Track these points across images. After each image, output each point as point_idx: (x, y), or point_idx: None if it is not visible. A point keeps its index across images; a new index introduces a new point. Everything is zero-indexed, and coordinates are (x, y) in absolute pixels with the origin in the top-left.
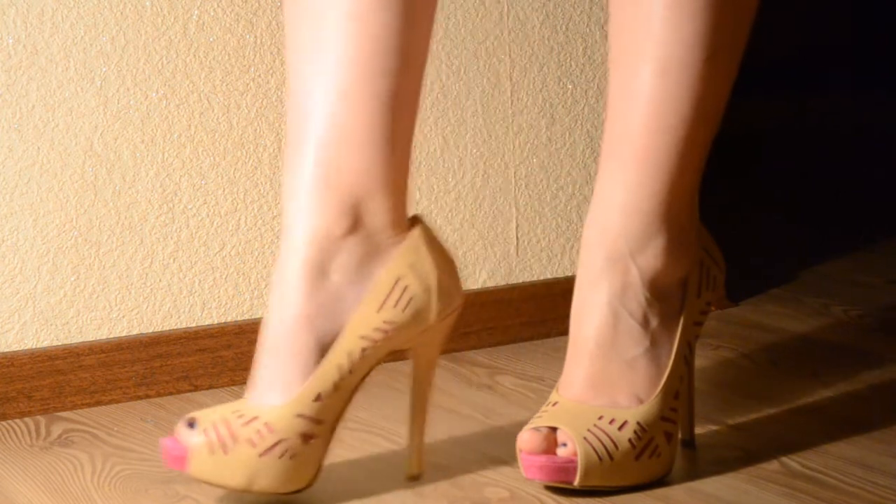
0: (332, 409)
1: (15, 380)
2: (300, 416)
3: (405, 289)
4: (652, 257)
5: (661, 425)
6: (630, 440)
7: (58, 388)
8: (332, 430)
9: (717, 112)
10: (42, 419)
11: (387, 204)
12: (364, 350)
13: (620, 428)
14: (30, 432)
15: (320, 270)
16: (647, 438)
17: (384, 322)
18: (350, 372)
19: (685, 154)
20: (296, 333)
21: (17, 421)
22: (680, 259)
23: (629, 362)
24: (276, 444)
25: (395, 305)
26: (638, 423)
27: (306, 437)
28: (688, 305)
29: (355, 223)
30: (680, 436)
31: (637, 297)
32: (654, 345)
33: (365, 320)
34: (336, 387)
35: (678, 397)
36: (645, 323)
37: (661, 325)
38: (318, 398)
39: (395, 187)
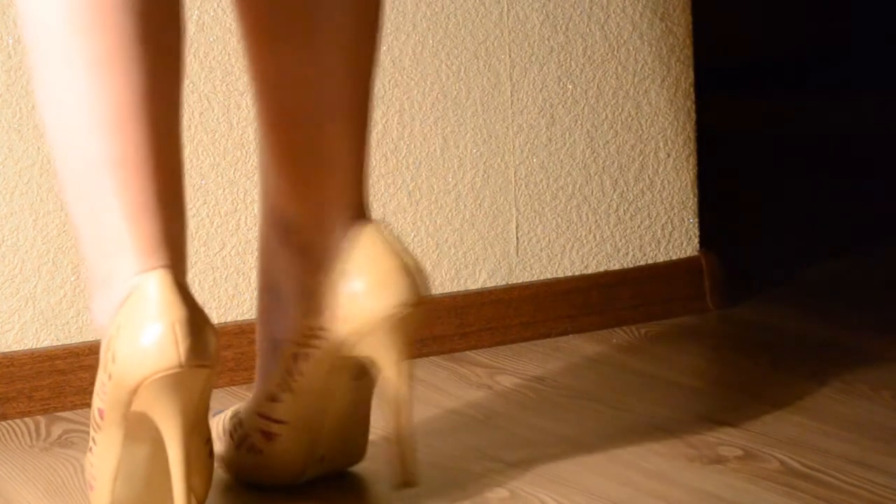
0: (294, 410)
1: (15, 380)
2: (258, 414)
3: (332, 294)
4: None
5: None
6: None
7: (58, 388)
8: (308, 430)
9: None
10: (42, 419)
11: (310, 217)
12: (306, 354)
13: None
14: (30, 432)
15: (269, 276)
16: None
17: (318, 328)
18: (301, 374)
19: None
20: (259, 333)
21: (17, 421)
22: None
23: None
24: (243, 438)
25: (323, 312)
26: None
27: (268, 436)
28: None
29: (285, 234)
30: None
31: None
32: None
33: (298, 326)
34: (290, 388)
35: (276, 401)
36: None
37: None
38: (273, 398)
39: (320, 198)
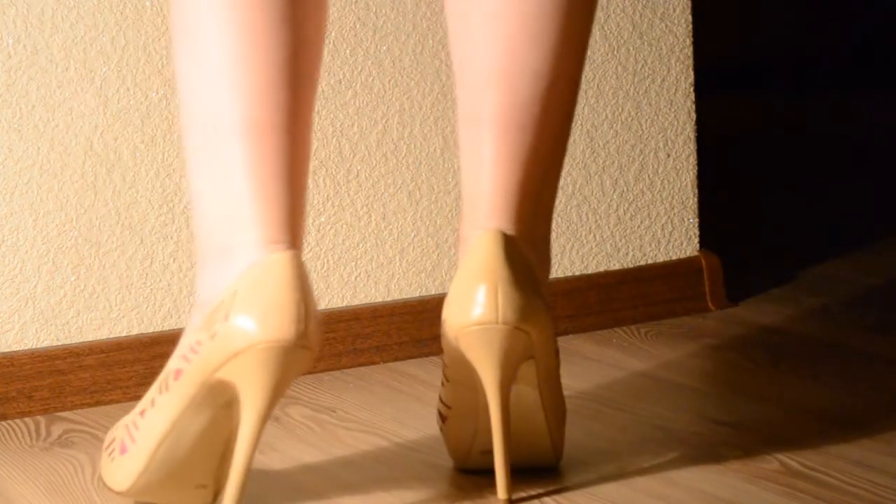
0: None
1: (15, 380)
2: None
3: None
4: None
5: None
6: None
7: (58, 388)
8: (470, 420)
9: None
10: (42, 419)
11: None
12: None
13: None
14: (30, 432)
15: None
16: (110, 439)
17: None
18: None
19: None
20: None
21: (17, 421)
22: None
23: None
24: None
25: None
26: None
27: (443, 417)
28: None
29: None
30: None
31: None
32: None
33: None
34: (446, 377)
35: (444, 385)
36: None
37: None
38: (443, 382)
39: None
